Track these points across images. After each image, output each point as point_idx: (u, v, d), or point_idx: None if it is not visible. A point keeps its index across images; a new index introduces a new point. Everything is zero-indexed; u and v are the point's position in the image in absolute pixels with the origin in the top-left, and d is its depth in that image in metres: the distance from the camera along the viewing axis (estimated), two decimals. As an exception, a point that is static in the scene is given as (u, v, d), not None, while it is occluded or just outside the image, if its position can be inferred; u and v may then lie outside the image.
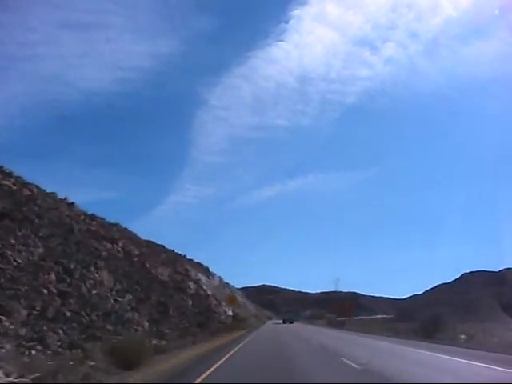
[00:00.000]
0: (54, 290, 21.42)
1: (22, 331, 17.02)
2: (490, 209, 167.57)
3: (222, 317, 39.13)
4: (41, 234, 27.45)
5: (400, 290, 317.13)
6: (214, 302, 42.45)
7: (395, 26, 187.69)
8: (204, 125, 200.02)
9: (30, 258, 24.21)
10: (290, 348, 21.06)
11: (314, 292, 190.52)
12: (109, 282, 27.10)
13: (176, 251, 61.34)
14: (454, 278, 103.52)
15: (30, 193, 35.76)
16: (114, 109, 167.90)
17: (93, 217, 42.51)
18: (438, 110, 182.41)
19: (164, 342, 23.93)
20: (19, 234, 26.22)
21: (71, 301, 21.66)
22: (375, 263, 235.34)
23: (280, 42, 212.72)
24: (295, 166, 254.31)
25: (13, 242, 24.81)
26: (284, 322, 75.86)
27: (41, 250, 25.27)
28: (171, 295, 33.73)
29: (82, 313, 21.06)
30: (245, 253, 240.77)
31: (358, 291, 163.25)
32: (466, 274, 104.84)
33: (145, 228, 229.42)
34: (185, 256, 64.15)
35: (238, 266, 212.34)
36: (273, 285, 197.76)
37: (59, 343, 17.02)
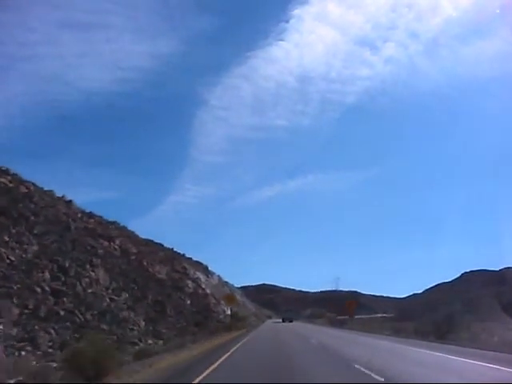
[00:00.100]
0: (47, 289, 20.97)
1: (13, 331, 16.57)
2: (490, 209, 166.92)
3: (221, 316, 38.65)
4: (36, 232, 27.01)
5: (400, 290, 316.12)
6: (213, 300, 41.99)
7: (395, 25, 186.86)
8: (204, 125, 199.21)
9: (24, 256, 23.76)
10: (289, 347, 20.18)
11: (313, 291, 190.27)
12: (105, 280, 26.64)
13: (175, 250, 61.04)
14: (454, 278, 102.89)
15: (26, 190, 35.34)
16: (113, 109, 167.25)
17: (90, 215, 42.08)
18: (438, 109, 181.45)
19: (161, 342, 23.50)
20: (13, 231, 25.76)
21: (65, 299, 21.20)
22: (375, 263, 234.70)
23: (280, 42, 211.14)
24: (295, 165, 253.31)
25: (6, 239, 24.39)
26: (283, 321, 76.10)
27: (35, 248, 24.82)
28: (169, 294, 33.27)
29: (76, 312, 20.60)
30: (245, 253, 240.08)
31: (358, 290, 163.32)
32: (466, 273, 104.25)
33: (145, 228, 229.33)
34: (183, 255, 63.67)
35: (238, 266, 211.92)
36: (273, 284, 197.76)
37: (50, 343, 16.56)
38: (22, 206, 30.60)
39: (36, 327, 17.56)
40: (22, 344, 15.69)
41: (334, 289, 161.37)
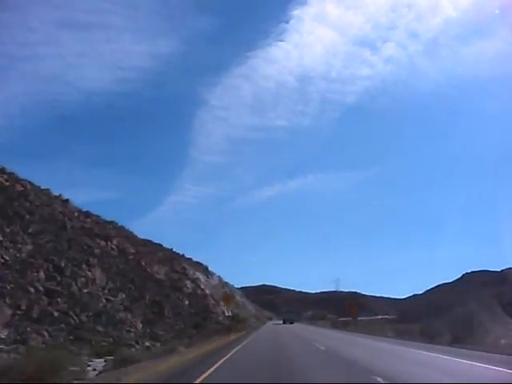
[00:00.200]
0: (41, 289, 20.34)
1: (4, 333, 15.96)
2: (490, 209, 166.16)
3: (220, 317, 37.97)
4: (30, 231, 26.39)
5: (400, 290, 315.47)
6: (212, 301, 41.33)
7: (395, 25, 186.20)
8: (204, 125, 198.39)
9: (18, 255, 23.14)
10: (294, 354, 17.18)
11: (314, 292, 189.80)
12: (101, 280, 26.01)
13: (174, 250, 60.41)
14: (455, 278, 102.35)
15: (22, 189, 34.77)
16: (114, 109, 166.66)
17: (88, 214, 41.45)
18: (438, 109, 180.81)
19: (158, 344, 22.85)
20: (7, 230, 25.14)
21: (59, 300, 20.59)
22: (375, 263, 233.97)
23: (280, 42, 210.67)
24: (295, 165, 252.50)
25: (0, 238, 23.77)
26: (284, 323, 75.68)
27: (29, 247, 24.20)
28: (167, 294, 32.62)
29: (71, 313, 19.98)
30: (245, 253, 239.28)
31: (358, 291, 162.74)
32: (467, 273, 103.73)
33: (145, 228, 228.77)
34: (183, 255, 63.03)
35: (238, 266, 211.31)
36: (273, 285, 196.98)
37: (43, 346, 15.89)
38: (17, 205, 30.01)
39: (28, 329, 16.96)
40: (13, 346, 15.07)
41: (334, 290, 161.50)
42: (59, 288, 21.82)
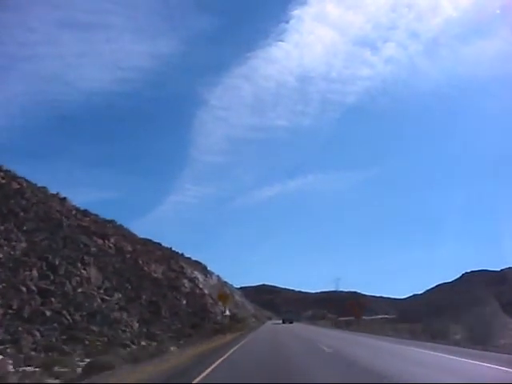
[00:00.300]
0: (33, 288, 19.90)
1: (-6, 332, 15.54)
2: (490, 209, 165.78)
3: (219, 317, 37.50)
4: (25, 228, 25.98)
5: (400, 290, 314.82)
6: (211, 301, 40.89)
7: (395, 25, 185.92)
8: (204, 125, 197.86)
9: (12, 253, 22.72)
10: (295, 357, 15.45)
11: (314, 292, 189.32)
12: (97, 279, 25.57)
13: (173, 249, 59.97)
14: (454, 278, 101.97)
15: (18, 186, 34.37)
16: (114, 109, 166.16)
17: (86, 213, 41.03)
18: (439, 109, 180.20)
19: (155, 343, 22.39)
20: (1, 227, 24.74)
21: (53, 299, 20.14)
22: (375, 263, 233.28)
23: (280, 42, 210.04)
24: (295, 165, 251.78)
25: (-7, 236, 23.40)
26: (284, 322, 75.68)
27: (23, 245, 23.79)
28: (164, 294, 32.16)
29: (64, 312, 19.52)
30: (245, 253, 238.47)
31: (358, 291, 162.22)
32: (467, 273, 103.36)
33: (145, 228, 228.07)
34: (182, 254, 62.62)
35: (238, 266, 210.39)
36: (273, 284, 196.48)
37: (34, 346, 15.47)
38: (12, 203, 29.61)
39: (20, 328, 16.52)
40: (2, 347, 14.63)
41: (334, 289, 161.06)
42: (53, 287, 21.39)
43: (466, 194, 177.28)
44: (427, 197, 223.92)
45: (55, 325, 18.31)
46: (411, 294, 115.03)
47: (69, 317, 19.32)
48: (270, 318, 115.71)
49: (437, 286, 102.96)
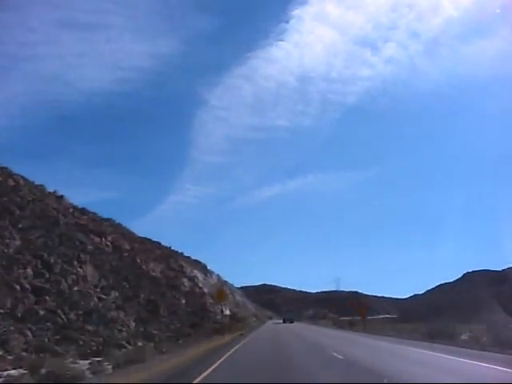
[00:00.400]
0: (27, 286, 19.32)
1: (-16, 332, 14.97)
2: (490, 208, 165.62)
3: (218, 316, 36.93)
4: (20, 226, 25.39)
5: (401, 290, 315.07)
6: (210, 300, 40.32)
7: (396, 25, 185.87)
8: (204, 125, 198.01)
9: (6, 251, 22.12)
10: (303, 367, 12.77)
11: (314, 291, 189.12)
12: (93, 277, 25.01)
13: (172, 248, 59.39)
14: (456, 278, 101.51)
15: (14, 184, 33.80)
16: (113, 109, 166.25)
17: (83, 211, 40.45)
18: (439, 109, 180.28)
19: (152, 344, 21.80)
20: (-5, 225, 24.20)
21: (47, 298, 19.56)
22: (375, 263, 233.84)
23: (280, 42, 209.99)
24: (295, 165, 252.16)
25: (-13, 233, 22.84)
26: (284, 322, 75.51)
27: (18, 243, 23.19)
28: (163, 292, 31.57)
29: (59, 311, 18.96)
30: (245, 253, 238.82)
31: (358, 290, 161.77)
32: (468, 273, 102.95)
33: (145, 228, 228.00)
34: (182, 253, 62.07)
35: (239, 266, 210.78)
36: (273, 284, 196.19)
37: (25, 346, 14.90)
38: (7, 200, 29.04)
39: (12, 328, 15.94)
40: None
41: (334, 289, 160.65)
42: (47, 285, 20.81)
43: (466, 194, 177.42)
44: (427, 197, 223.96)
45: (48, 324, 17.74)
46: (412, 294, 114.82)
47: (63, 316, 18.76)
48: (270, 318, 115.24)
49: (438, 286, 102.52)
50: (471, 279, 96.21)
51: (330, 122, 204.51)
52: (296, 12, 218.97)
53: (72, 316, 19.50)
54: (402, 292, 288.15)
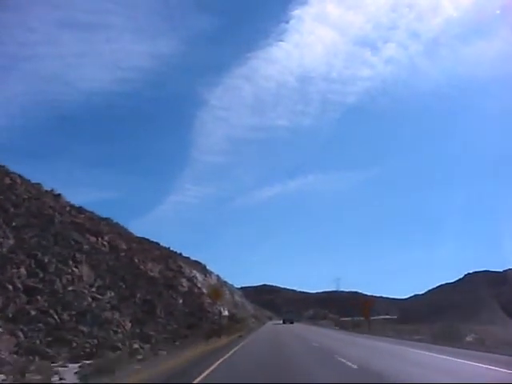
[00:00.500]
0: (19, 286, 18.86)
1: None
2: (490, 209, 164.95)
3: (216, 317, 36.44)
4: (14, 224, 24.95)
5: (401, 290, 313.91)
6: (209, 300, 39.84)
7: (396, 26, 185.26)
8: (204, 125, 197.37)
9: (-1, 250, 21.73)
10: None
11: (314, 292, 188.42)
12: (89, 277, 24.54)
13: (171, 249, 58.96)
14: (457, 278, 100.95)
15: (10, 182, 33.38)
16: (113, 109, 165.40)
17: (80, 210, 40.01)
18: (439, 109, 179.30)
19: (148, 346, 21.31)
20: (-12, 223, 23.76)
21: (39, 298, 19.11)
22: (376, 263, 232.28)
23: (280, 42, 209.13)
24: (295, 165, 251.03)
25: (-20, 232, 22.40)
26: (284, 322, 75.11)
27: (11, 242, 22.74)
28: (160, 293, 31.08)
29: (51, 312, 18.49)
30: (245, 253, 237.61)
31: (359, 291, 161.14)
32: (469, 274, 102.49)
33: (145, 228, 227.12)
34: (180, 254, 61.65)
35: (238, 266, 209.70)
36: (273, 284, 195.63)
37: (16, 348, 14.43)
38: (3, 198, 28.60)
39: (0, 329, 15.47)
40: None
41: (335, 289, 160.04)
42: (41, 285, 20.36)
43: (466, 194, 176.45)
44: (427, 197, 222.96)
45: (40, 325, 17.27)
46: (412, 294, 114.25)
47: (56, 316, 18.30)
48: (270, 318, 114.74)
49: (439, 287, 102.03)
50: (472, 280, 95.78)
51: (330, 122, 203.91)
52: (296, 12, 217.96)
53: (65, 316, 19.04)
54: (403, 292, 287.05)
